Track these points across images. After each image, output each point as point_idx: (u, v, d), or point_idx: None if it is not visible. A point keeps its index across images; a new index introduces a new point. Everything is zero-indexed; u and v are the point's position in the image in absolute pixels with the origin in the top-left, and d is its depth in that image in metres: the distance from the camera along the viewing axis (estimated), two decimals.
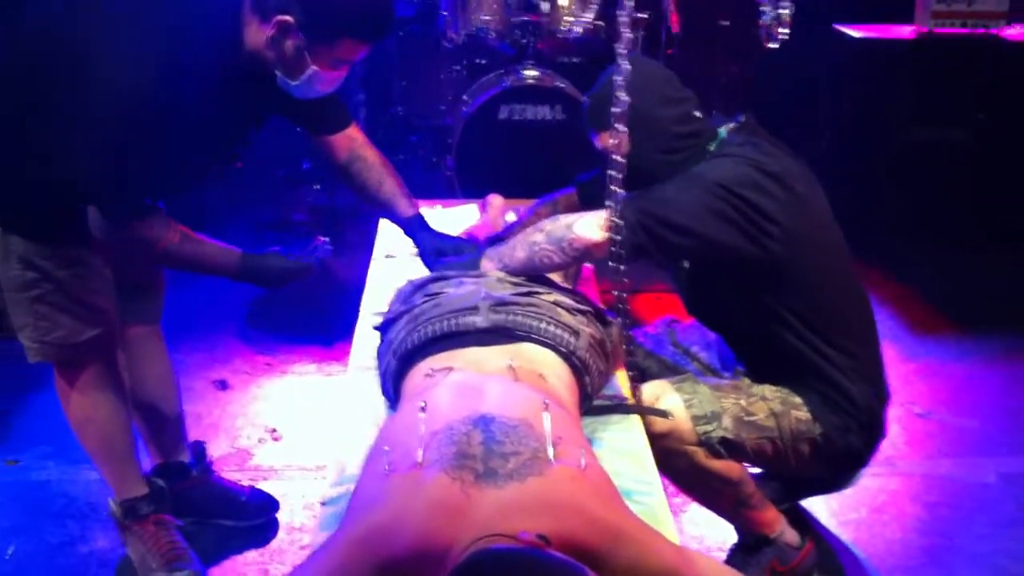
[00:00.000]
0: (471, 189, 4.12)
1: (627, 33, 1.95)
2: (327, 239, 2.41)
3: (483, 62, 4.75)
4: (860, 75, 4.70)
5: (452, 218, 3.11)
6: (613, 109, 1.98)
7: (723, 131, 2.23)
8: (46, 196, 2.03)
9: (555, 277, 2.32)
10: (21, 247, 2.08)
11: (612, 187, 2.00)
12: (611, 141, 2.01)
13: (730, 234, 2.06)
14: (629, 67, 1.96)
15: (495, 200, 3.00)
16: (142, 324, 2.48)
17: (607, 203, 2.03)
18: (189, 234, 2.22)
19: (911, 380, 3.50)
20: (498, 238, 2.42)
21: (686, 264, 2.35)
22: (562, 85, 4.36)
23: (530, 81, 4.37)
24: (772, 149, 2.19)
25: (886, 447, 2.38)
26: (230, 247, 2.30)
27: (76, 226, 2.11)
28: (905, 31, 4.64)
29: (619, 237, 2.01)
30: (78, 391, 2.27)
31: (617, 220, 2.01)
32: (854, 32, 4.72)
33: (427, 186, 4.90)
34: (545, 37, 4.53)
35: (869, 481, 2.75)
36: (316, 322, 3.84)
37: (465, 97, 4.63)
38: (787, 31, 4.16)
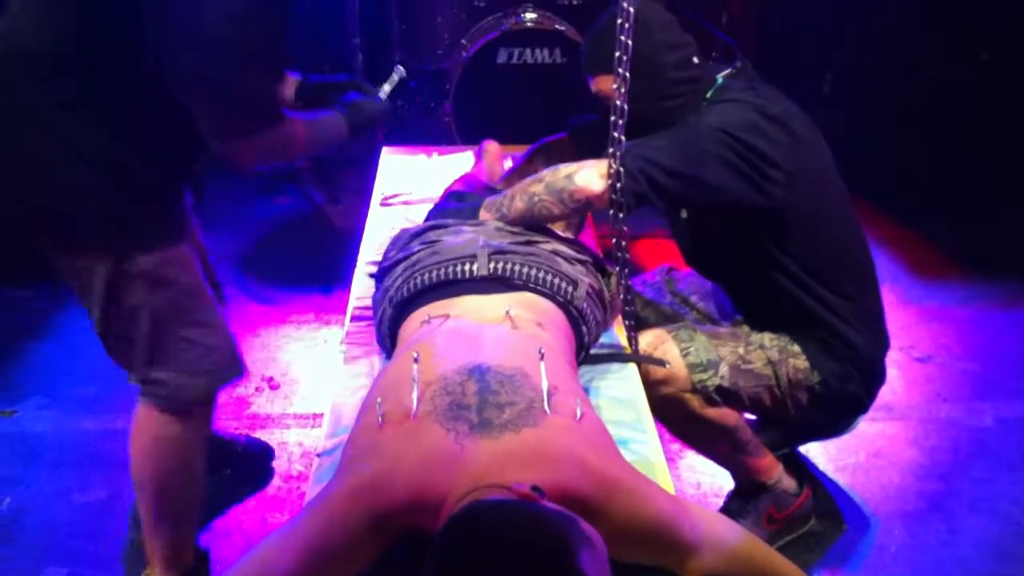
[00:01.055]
0: (469, 135, 4.07)
1: None
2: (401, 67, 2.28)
3: (482, 5, 4.67)
4: (865, 13, 4.61)
5: (449, 165, 3.08)
6: (616, 54, 1.93)
7: (720, 78, 2.20)
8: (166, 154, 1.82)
9: (558, 226, 2.29)
10: (146, 263, 1.82)
11: (614, 134, 1.96)
12: (610, 86, 1.97)
13: (732, 180, 2.03)
14: (627, 12, 1.91)
15: (491, 147, 2.96)
16: None
17: (607, 151, 1.99)
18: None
19: (912, 324, 3.49)
20: (493, 189, 2.39)
21: (684, 214, 2.33)
22: (562, 28, 4.30)
23: (529, 24, 4.31)
24: (772, 93, 2.15)
25: (884, 392, 2.37)
26: (326, 114, 2.06)
27: (179, 220, 1.89)
28: None
29: (620, 186, 1.98)
30: (187, 434, 2.00)
31: (618, 168, 1.97)
32: None
33: (425, 132, 4.85)
34: None
35: (867, 426, 2.75)
36: (315, 270, 3.82)
37: (463, 41, 4.56)
38: None
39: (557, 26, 4.29)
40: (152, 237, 1.83)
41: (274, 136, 1.83)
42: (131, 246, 1.81)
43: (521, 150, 2.73)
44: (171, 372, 1.92)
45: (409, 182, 2.95)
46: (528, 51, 4.25)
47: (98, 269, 1.80)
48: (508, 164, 2.78)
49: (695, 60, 2.20)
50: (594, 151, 2.11)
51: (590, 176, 2.05)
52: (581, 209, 2.11)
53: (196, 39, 1.65)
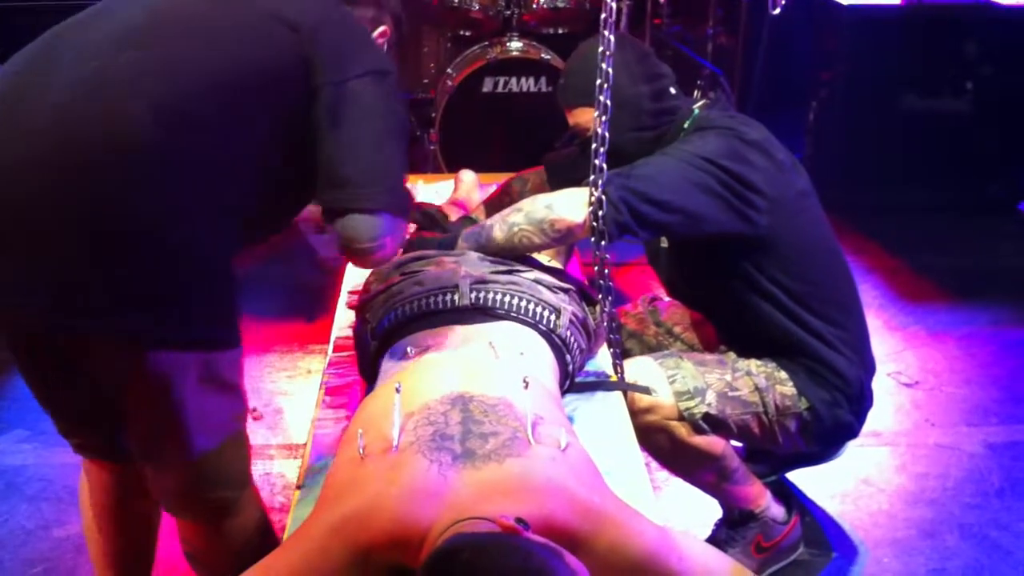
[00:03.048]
0: (455, 164, 4.07)
1: (610, 3, 1.90)
2: None
3: (467, 34, 4.69)
4: (849, 44, 4.65)
5: (434, 193, 3.08)
6: (597, 81, 1.93)
7: (696, 109, 2.21)
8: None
9: (545, 255, 2.28)
10: (222, 362, 1.67)
11: (595, 162, 1.95)
12: (588, 118, 1.97)
13: (715, 208, 2.03)
14: (608, 40, 1.91)
15: (466, 175, 2.96)
16: None
17: (588, 181, 1.98)
18: None
19: (899, 350, 3.49)
20: (470, 218, 2.38)
21: (665, 243, 2.32)
22: (547, 57, 4.31)
23: (515, 53, 4.33)
24: (749, 121, 2.17)
25: (872, 418, 2.36)
26: None
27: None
28: None
29: (602, 214, 1.97)
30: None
31: (599, 197, 1.96)
32: (843, 0, 4.68)
33: (411, 161, 4.84)
34: (530, 8, 4.48)
35: (855, 452, 2.72)
36: (297, 300, 3.80)
37: (449, 70, 4.58)
38: None
39: (543, 55, 4.31)
40: (234, 332, 1.68)
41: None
42: (218, 343, 1.65)
43: (500, 179, 2.73)
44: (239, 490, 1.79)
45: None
46: (513, 80, 4.28)
47: (178, 368, 1.60)
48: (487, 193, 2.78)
49: (672, 91, 2.21)
50: (568, 185, 2.10)
51: (570, 205, 2.03)
52: (562, 239, 2.09)
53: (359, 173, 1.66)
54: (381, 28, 1.97)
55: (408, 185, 1.81)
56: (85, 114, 1.49)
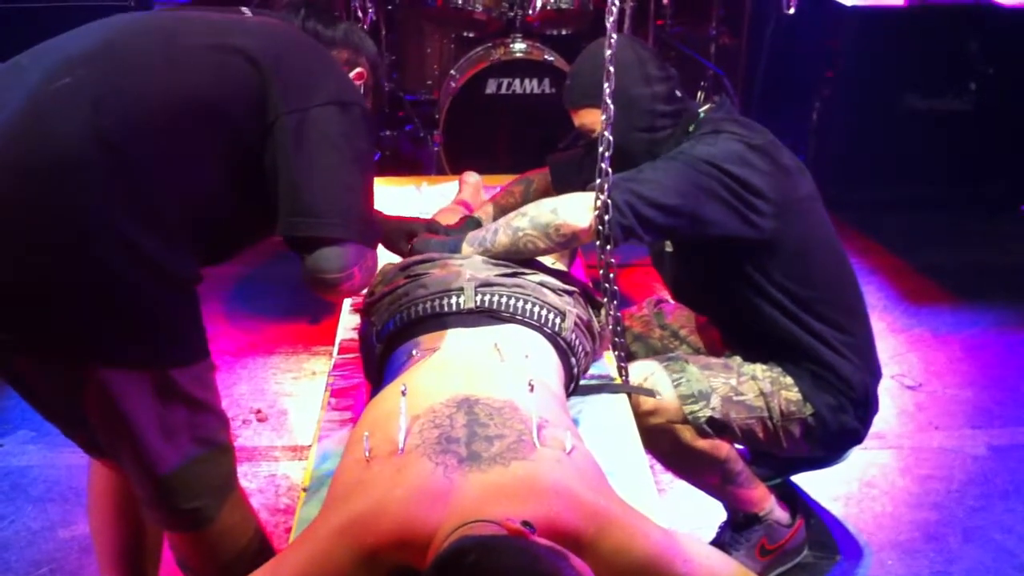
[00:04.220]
0: (459, 165, 4.08)
1: (615, 5, 1.90)
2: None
3: (471, 35, 4.69)
4: (852, 43, 4.65)
5: (438, 195, 3.08)
6: (604, 84, 1.93)
7: (701, 112, 2.21)
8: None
9: (550, 256, 2.28)
10: (181, 377, 1.67)
11: (601, 165, 1.95)
12: (594, 119, 1.97)
13: (720, 212, 2.03)
14: (614, 42, 1.91)
15: (470, 177, 2.96)
16: None
17: (593, 184, 1.98)
18: None
19: (903, 352, 3.49)
20: (475, 220, 2.38)
21: (669, 247, 2.32)
22: (551, 58, 4.31)
23: (518, 55, 4.33)
24: (753, 125, 2.17)
25: (876, 420, 2.36)
26: None
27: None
28: None
29: (608, 217, 1.97)
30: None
31: (605, 201, 1.96)
32: (846, 1, 4.68)
33: (415, 162, 4.87)
34: (534, 9, 4.48)
35: (859, 455, 2.73)
36: (302, 300, 3.80)
37: (453, 71, 4.58)
38: None
39: (546, 56, 4.31)
40: (193, 348, 1.70)
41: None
42: (172, 360, 1.66)
43: (504, 181, 2.73)
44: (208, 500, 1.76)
45: (399, 214, 2.94)
46: (517, 81, 4.27)
47: (132, 383, 1.61)
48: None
49: (678, 93, 2.21)
50: (574, 185, 2.10)
51: (575, 210, 2.03)
52: (566, 243, 2.09)
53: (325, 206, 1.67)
54: (357, 71, 1.96)
55: (373, 216, 1.81)
56: (17, 139, 1.51)
